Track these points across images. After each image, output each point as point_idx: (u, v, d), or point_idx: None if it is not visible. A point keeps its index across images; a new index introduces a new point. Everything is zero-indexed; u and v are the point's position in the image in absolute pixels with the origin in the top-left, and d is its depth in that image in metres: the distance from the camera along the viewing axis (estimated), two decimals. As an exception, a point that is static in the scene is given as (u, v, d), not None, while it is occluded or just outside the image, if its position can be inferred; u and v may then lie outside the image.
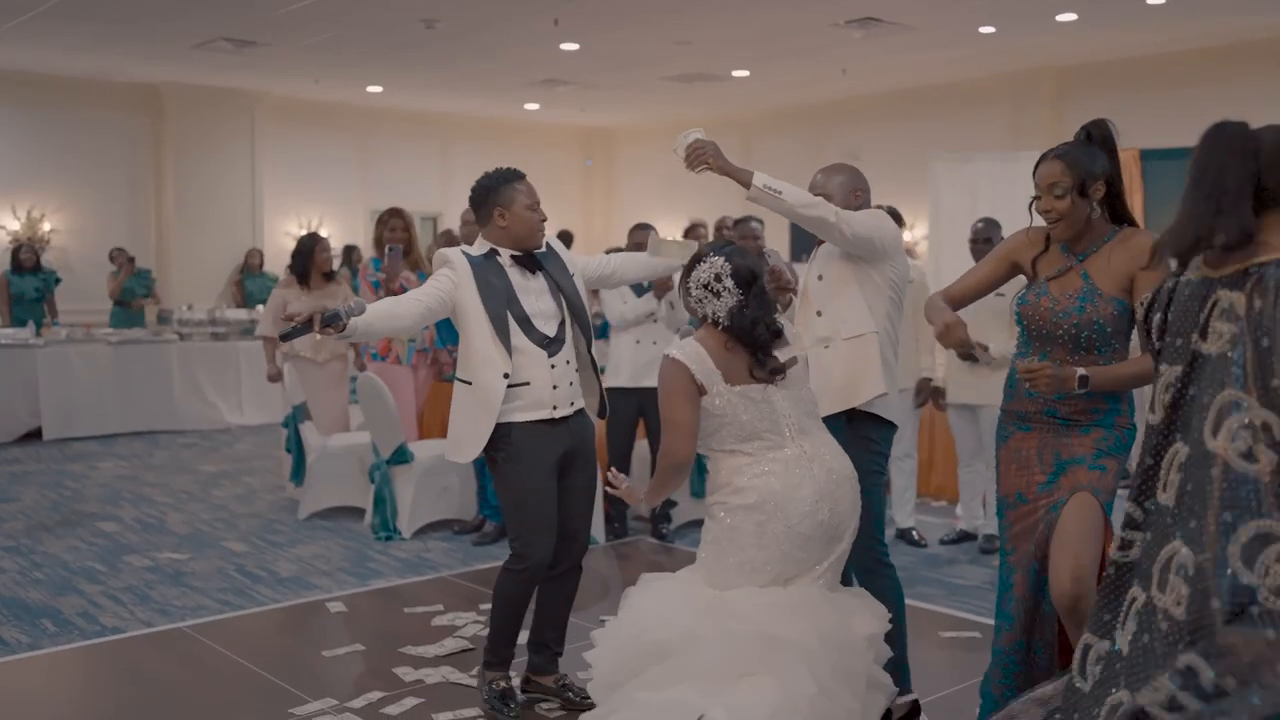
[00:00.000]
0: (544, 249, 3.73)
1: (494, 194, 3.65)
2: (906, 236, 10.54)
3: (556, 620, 3.81)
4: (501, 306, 3.55)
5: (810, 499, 2.93)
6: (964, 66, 11.29)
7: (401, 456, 6.06)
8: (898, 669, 3.35)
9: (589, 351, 3.75)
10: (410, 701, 3.80)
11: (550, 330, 3.62)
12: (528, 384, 3.55)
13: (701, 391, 2.96)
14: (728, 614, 2.88)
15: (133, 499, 7.15)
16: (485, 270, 3.60)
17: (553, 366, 3.60)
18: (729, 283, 3.01)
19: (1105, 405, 2.99)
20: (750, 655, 2.81)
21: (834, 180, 3.64)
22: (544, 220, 3.70)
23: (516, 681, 3.81)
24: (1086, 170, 2.95)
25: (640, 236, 6.13)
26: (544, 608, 3.80)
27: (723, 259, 3.04)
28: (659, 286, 5.83)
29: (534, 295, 3.63)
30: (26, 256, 10.66)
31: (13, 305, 10.48)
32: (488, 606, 4.78)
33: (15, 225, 12.14)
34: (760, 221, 6.23)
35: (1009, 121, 11.66)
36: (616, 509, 6.13)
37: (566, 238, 12.83)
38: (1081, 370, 2.90)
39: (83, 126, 12.55)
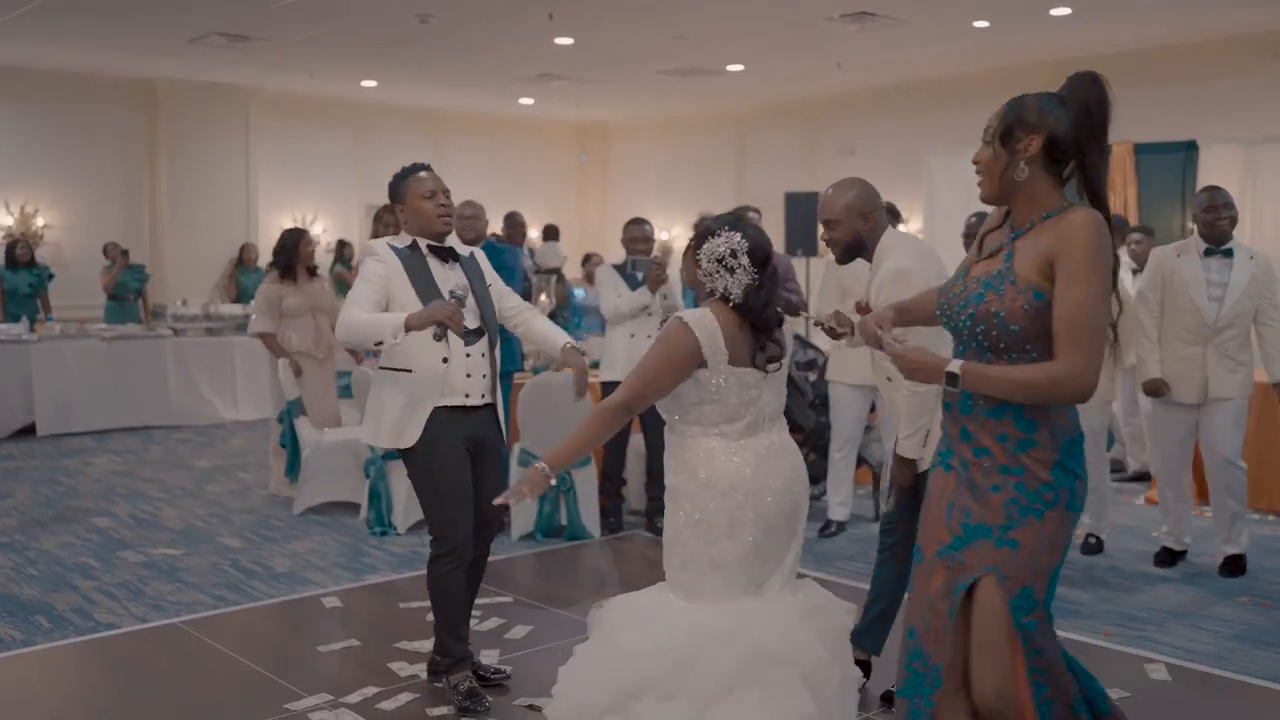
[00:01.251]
0: (468, 254, 3.85)
1: (394, 190, 3.79)
2: (901, 230, 10.54)
3: (466, 599, 3.90)
4: (432, 293, 3.64)
5: (780, 489, 2.88)
6: (958, 61, 11.29)
7: (396, 452, 6.04)
8: None
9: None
10: (405, 697, 3.81)
11: (470, 322, 3.70)
12: (444, 370, 3.67)
13: (702, 365, 2.85)
14: (715, 633, 2.78)
15: (127, 495, 7.14)
16: (410, 261, 3.70)
17: (467, 355, 3.70)
18: (744, 260, 2.88)
19: (1016, 432, 2.37)
20: (743, 671, 2.73)
21: (840, 202, 3.55)
22: (444, 208, 3.74)
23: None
24: (1017, 116, 2.43)
25: (635, 231, 6.13)
26: None
27: (739, 235, 2.91)
28: (652, 280, 5.84)
29: (453, 285, 3.70)
30: (21, 252, 10.63)
31: (6, 301, 10.46)
32: (482, 601, 4.80)
33: (9, 221, 12.11)
34: (757, 211, 6.24)
35: (1004, 116, 11.64)
36: (612, 504, 6.13)
37: (553, 232, 12.84)
38: (955, 364, 2.38)
39: (77, 122, 12.51)
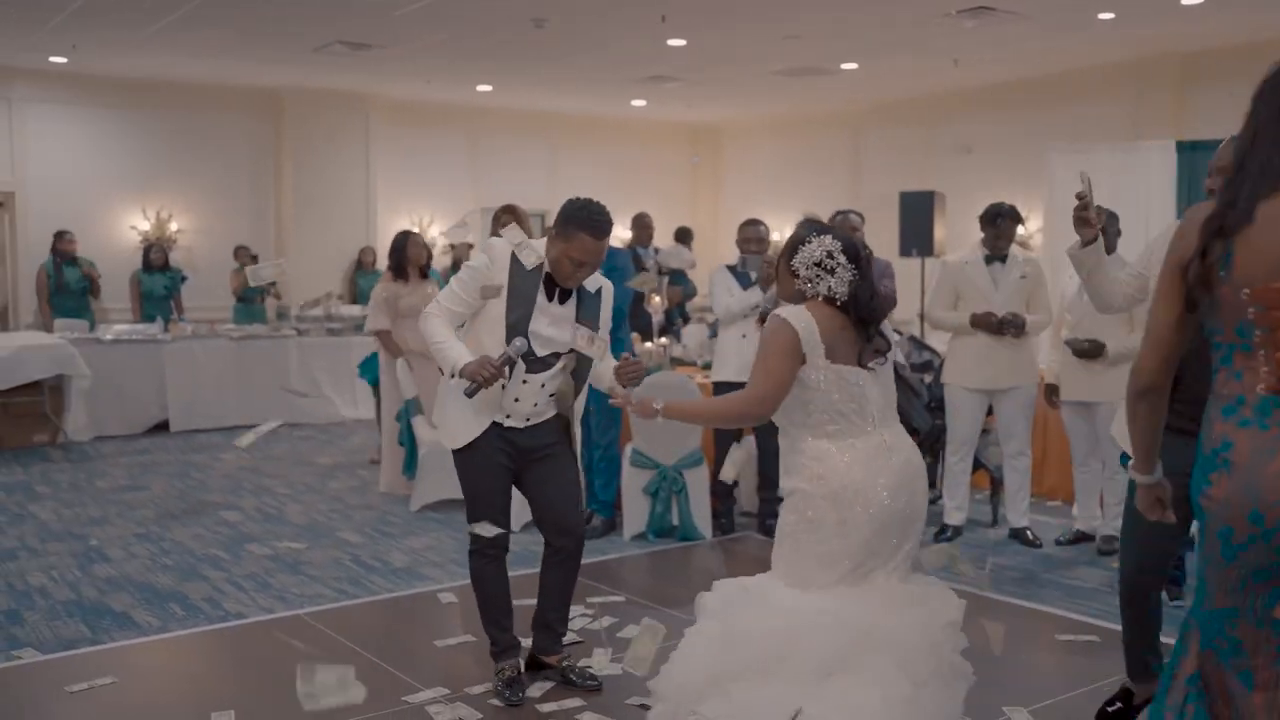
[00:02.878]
0: (594, 292, 3.80)
1: (563, 218, 3.65)
2: (1021, 231, 10.28)
3: (558, 602, 3.95)
4: (523, 319, 3.63)
5: (890, 488, 2.93)
6: (1081, 55, 10.96)
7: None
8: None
9: (572, 404, 3.79)
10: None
11: (541, 351, 3.67)
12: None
13: (801, 361, 2.94)
14: (816, 615, 2.86)
15: (253, 490, 7.40)
16: (522, 277, 3.64)
17: (524, 381, 3.66)
18: (842, 259, 2.99)
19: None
20: (842, 655, 2.81)
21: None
22: (579, 278, 3.68)
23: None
24: None
25: (749, 232, 6.11)
26: (546, 590, 3.95)
27: (829, 237, 3.02)
28: (765, 279, 5.81)
29: (548, 319, 3.68)
30: (156, 256, 11.12)
31: (142, 302, 10.94)
32: (596, 599, 4.85)
33: (145, 226, 12.66)
34: (860, 215, 6.18)
35: (1129, 111, 11.28)
36: (724, 505, 6.12)
37: (683, 234, 12.86)
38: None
39: (208, 130, 13.02)
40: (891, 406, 3.07)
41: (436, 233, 14.30)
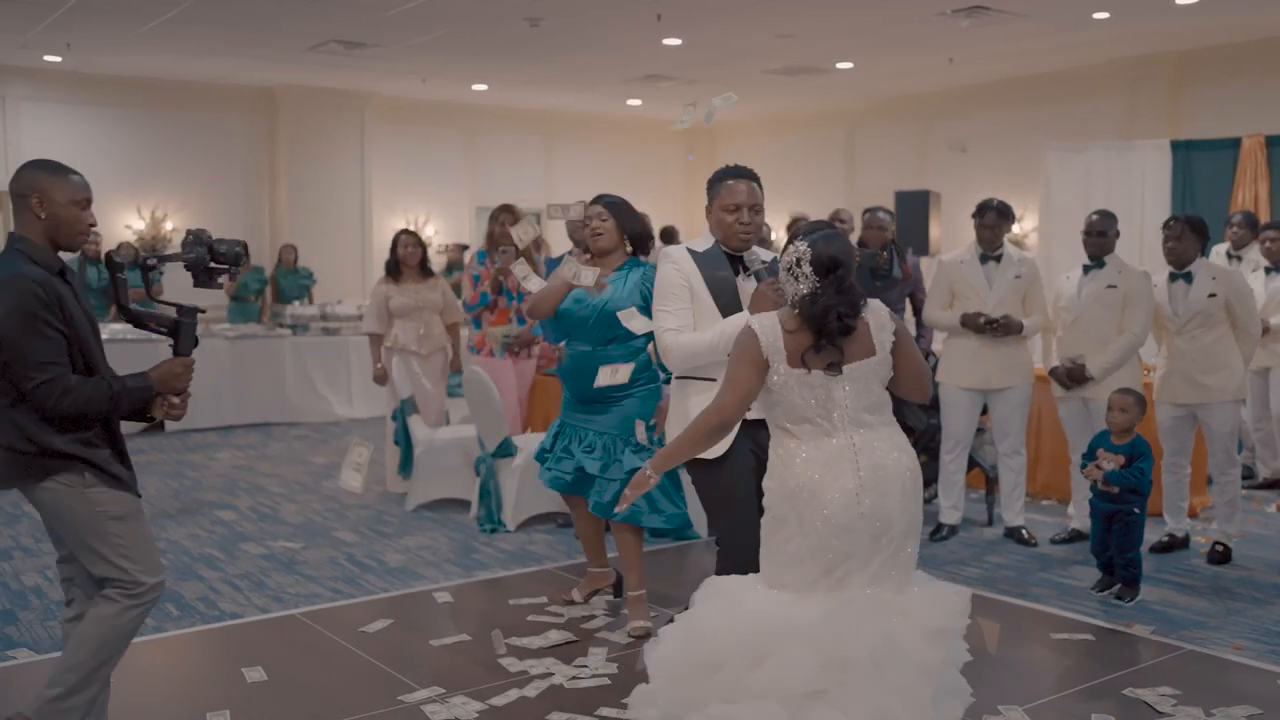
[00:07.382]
0: (771, 260, 3.62)
1: (707, 190, 3.64)
2: (1016, 229, 10.27)
3: None
4: (732, 300, 3.56)
5: (850, 490, 2.93)
6: (1076, 53, 10.97)
7: (506, 450, 6.14)
8: None
9: None
10: (515, 692, 3.85)
11: None
12: None
13: (765, 366, 3.02)
14: (785, 626, 2.86)
15: (249, 489, 7.39)
16: (710, 264, 3.60)
17: None
18: (807, 269, 3.03)
19: None
20: (817, 673, 2.79)
21: None
22: (747, 225, 3.58)
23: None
24: None
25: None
26: None
27: (806, 244, 3.05)
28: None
29: (746, 296, 3.60)
30: (91, 250, 10.84)
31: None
32: (591, 598, 4.84)
33: (140, 224, 12.64)
34: (889, 213, 6.22)
35: (1124, 110, 11.29)
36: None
37: (671, 234, 12.86)
38: None
39: (203, 129, 13.00)
40: (870, 411, 3.02)
41: (432, 231, 14.29)
